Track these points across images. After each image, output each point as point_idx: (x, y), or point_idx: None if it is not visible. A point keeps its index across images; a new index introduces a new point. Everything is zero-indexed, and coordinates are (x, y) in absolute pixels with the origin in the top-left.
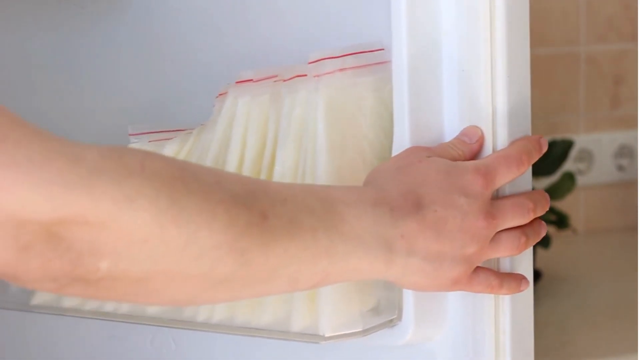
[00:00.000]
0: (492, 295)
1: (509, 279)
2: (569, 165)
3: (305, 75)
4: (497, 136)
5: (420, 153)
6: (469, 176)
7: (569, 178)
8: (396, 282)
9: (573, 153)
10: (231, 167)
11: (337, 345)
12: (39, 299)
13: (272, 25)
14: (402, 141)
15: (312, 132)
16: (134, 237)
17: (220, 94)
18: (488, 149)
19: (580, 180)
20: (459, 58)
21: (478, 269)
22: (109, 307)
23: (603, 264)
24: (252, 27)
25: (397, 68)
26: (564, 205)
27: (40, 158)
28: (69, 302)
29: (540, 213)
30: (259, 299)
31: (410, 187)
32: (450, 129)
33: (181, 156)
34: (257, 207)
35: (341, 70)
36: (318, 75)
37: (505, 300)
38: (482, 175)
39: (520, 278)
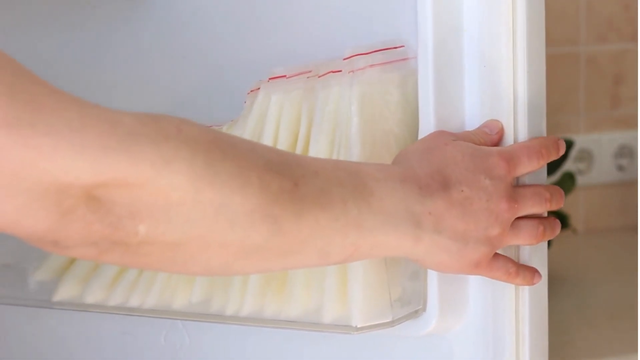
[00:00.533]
0: (512, 286)
1: (525, 270)
2: (569, 165)
3: (339, 71)
4: (518, 129)
5: (446, 137)
6: (493, 159)
7: (569, 178)
8: (421, 261)
9: (573, 153)
10: None
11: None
12: (60, 295)
13: (295, 24)
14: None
15: (345, 127)
16: (171, 200)
17: (251, 91)
18: (509, 141)
19: (580, 180)
20: (480, 54)
21: (497, 255)
22: (133, 302)
23: (603, 264)
24: (277, 26)
25: (422, 64)
26: (564, 205)
27: (79, 124)
28: (90, 298)
29: (556, 206)
30: (288, 291)
31: (438, 167)
32: (471, 123)
33: None
34: (290, 175)
35: (371, 66)
36: (352, 71)
37: (525, 290)
38: (505, 160)
39: (534, 271)
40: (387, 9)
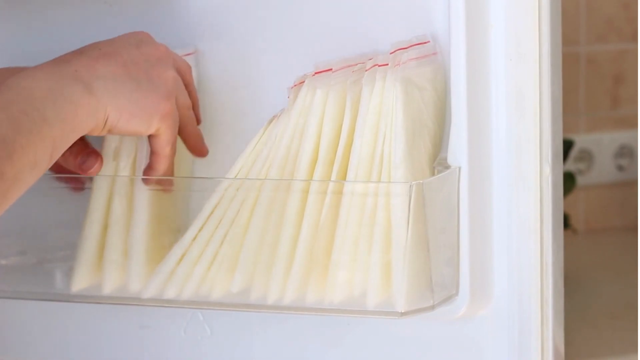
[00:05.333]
0: (537, 269)
1: None
2: (569, 165)
3: (386, 64)
4: (543, 119)
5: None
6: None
7: (569, 178)
8: (116, 123)
9: (573, 153)
10: (306, 155)
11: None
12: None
13: (324, 19)
14: (459, 130)
15: (390, 120)
16: None
17: (295, 85)
18: (534, 127)
19: (580, 180)
20: (506, 49)
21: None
22: (169, 293)
23: (603, 264)
24: (308, 22)
25: (455, 59)
26: (564, 205)
27: None
28: (133, 287)
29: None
30: (331, 278)
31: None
32: (497, 118)
33: (252, 148)
34: None
35: (411, 60)
36: (397, 65)
37: (549, 275)
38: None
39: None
40: (415, 4)
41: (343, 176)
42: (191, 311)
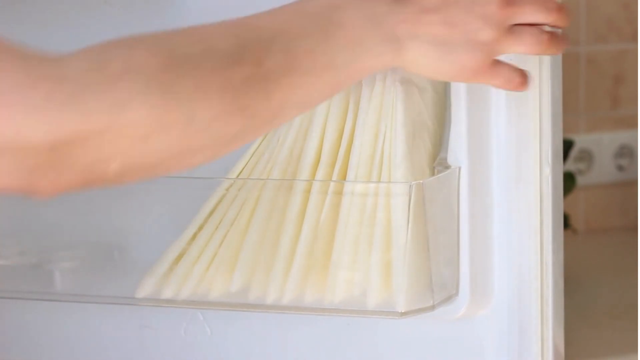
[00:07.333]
0: (537, 269)
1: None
2: (569, 165)
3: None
4: (542, 117)
5: None
6: None
7: (569, 178)
8: (412, 69)
9: (573, 153)
10: (309, 156)
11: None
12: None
13: None
14: (459, 130)
15: (389, 121)
16: (136, 136)
17: None
18: (534, 127)
19: (580, 180)
20: None
21: (500, 62)
22: (167, 293)
23: (603, 264)
24: None
25: None
26: (564, 205)
27: (25, 86)
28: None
29: (561, 20)
30: (331, 278)
31: None
32: (497, 119)
33: (254, 150)
34: (250, 58)
35: None
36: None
37: (549, 274)
38: None
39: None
40: None
41: (343, 176)
42: (191, 311)
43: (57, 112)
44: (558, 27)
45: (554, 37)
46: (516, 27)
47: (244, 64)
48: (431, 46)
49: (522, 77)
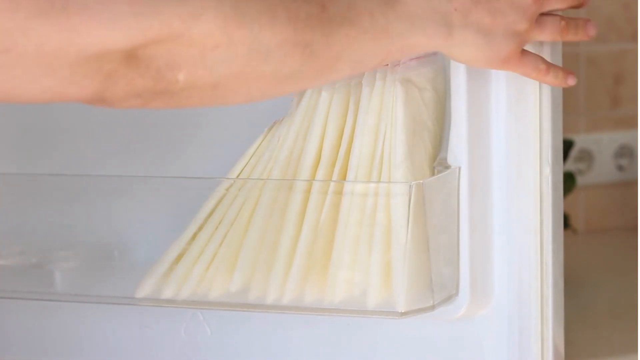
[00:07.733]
0: (537, 268)
1: (557, 69)
2: (569, 166)
3: (386, 65)
4: (542, 116)
5: None
6: None
7: (569, 178)
8: (451, 55)
9: (573, 153)
10: (309, 156)
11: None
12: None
13: None
14: (459, 130)
15: (390, 121)
16: (205, 46)
17: None
18: (534, 127)
19: (580, 180)
20: None
21: (527, 52)
22: (167, 293)
23: (603, 264)
24: None
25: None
26: (564, 205)
27: None
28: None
29: (578, 3)
30: (331, 277)
31: None
32: (497, 116)
33: (254, 151)
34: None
35: (411, 60)
36: (397, 66)
37: (549, 274)
38: None
39: (568, 71)
40: None
41: (343, 176)
42: (191, 311)
43: (137, 19)
44: (578, 7)
45: (572, 25)
46: (539, 17)
47: (309, 3)
48: (478, 35)
49: (547, 65)
